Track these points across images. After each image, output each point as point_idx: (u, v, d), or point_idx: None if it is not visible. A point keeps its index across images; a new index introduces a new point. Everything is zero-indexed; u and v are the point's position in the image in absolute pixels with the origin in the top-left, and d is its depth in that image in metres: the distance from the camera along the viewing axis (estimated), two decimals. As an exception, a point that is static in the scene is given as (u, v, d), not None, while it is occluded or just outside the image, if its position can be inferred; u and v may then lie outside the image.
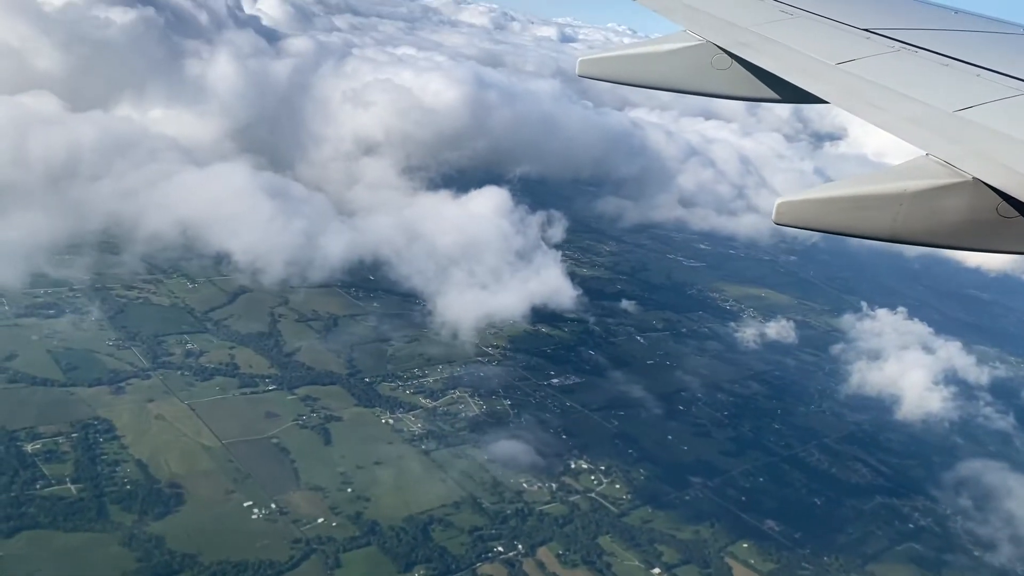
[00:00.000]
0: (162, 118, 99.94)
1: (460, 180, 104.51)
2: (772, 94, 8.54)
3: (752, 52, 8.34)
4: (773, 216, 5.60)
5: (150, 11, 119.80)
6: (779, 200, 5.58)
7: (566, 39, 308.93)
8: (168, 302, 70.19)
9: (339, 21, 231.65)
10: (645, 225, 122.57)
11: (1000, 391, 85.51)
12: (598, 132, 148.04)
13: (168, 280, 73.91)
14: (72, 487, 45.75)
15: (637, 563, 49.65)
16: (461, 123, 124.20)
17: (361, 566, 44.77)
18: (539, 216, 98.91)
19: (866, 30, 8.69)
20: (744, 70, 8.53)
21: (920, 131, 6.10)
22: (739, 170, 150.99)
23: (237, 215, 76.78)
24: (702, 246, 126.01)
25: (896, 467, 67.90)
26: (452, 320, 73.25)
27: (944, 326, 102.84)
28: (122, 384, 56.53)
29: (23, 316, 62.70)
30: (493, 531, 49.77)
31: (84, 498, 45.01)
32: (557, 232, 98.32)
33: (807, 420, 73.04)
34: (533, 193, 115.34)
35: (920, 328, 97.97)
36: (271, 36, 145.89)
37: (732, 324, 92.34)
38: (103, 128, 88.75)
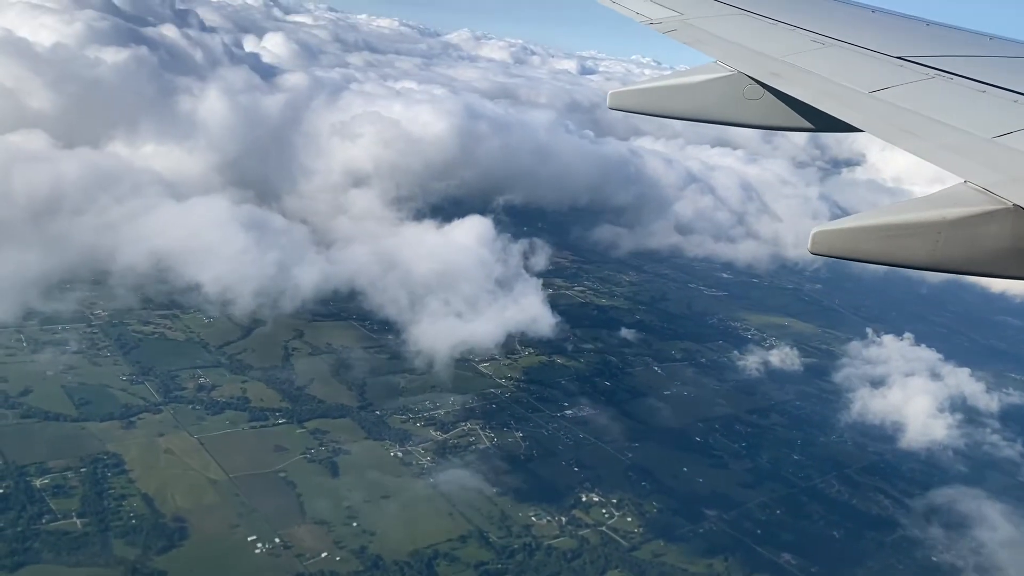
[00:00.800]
0: (153, 154, 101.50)
1: (448, 210, 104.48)
2: (805, 123, 8.59)
3: (784, 82, 8.36)
4: (808, 245, 5.49)
5: (143, 50, 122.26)
6: (815, 229, 5.49)
7: (586, 71, 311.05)
8: (183, 337, 70.76)
9: (354, 59, 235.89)
10: (641, 252, 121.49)
11: (1011, 418, 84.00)
12: (594, 161, 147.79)
13: (184, 315, 74.56)
14: (78, 521, 45.91)
15: (649, 599, 48.74)
16: (449, 154, 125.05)
17: (363, 601, 44.38)
18: (522, 244, 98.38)
19: (899, 58, 8.63)
20: (776, 99, 8.60)
21: (957, 158, 6.06)
22: (740, 197, 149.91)
23: (210, 247, 77.40)
24: (724, 275, 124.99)
25: (905, 496, 66.25)
26: (426, 348, 72.53)
27: (973, 353, 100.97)
28: (133, 419, 56.89)
29: (38, 352, 63.50)
30: (499, 566, 49.17)
31: (89, 532, 45.12)
32: (540, 260, 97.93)
33: (827, 450, 71.61)
34: (523, 222, 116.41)
35: (929, 354, 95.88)
36: (268, 72, 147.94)
37: (753, 353, 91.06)
38: (89, 164, 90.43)
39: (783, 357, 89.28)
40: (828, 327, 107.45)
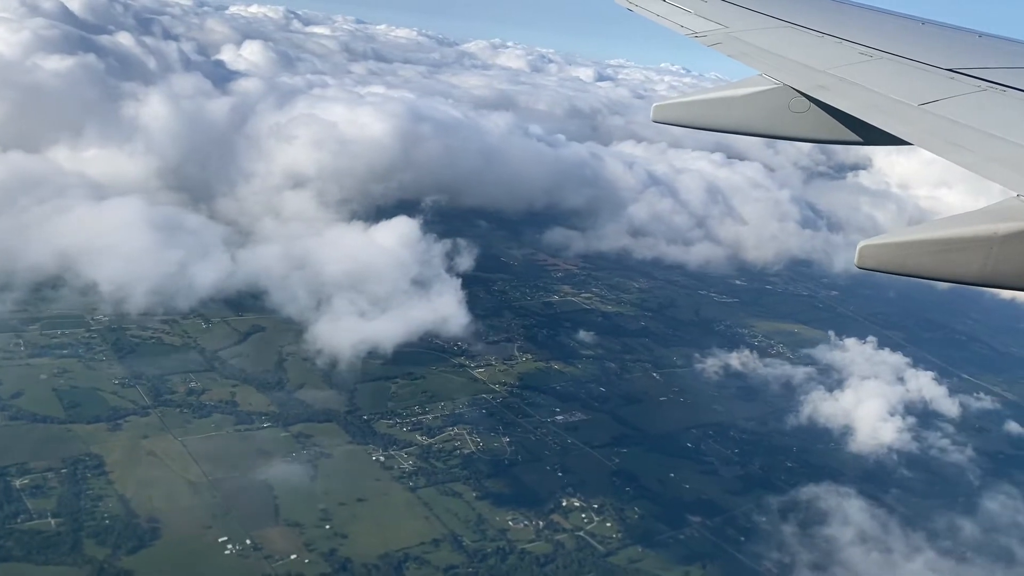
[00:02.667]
0: (92, 158, 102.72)
1: (385, 212, 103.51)
2: (853, 136, 8.55)
3: (831, 95, 8.31)
4: (855, 260, 5.44)
5: (90, 57, 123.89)
6: (861, 243, 5.42)
7: (603, 78, 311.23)
8: (180, 342, 71.71)
9: (358, 68, 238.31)
10: (589, 255, 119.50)
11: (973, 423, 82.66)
12: (550, 164, 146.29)
13: (184, 321, 75.58)
14: (52, 521, 46.68)
15: (618, 605, 48.33)
16: (387, 156, 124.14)
17: (326, 603, 44.56)
18: (445, 245, 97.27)
19: (950, 70, 8.51)
20: (823, 113, 8.56)
21: (1009, 172, 5.99)
22: (703, 200, 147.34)
23: (113, 247, 77.86)
24: (737, 282, 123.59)
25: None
26: (329, 346, 71.96)
27: (986, 360, 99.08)
28: (120, 421, 57.77)
29: (35, 356, 64.82)
30: (470, 569, 49.08)
31: (62, 532, 45.86)
32: (465, 261, 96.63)
33: (823, 458, 70.49)
34: (463, 223, 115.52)
35: (895, 358, 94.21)
36: (226, 79, 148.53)
37: (756, 360, 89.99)
38: (14, 168, 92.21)
39: (785, 364, 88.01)
40: (841, 334, 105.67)
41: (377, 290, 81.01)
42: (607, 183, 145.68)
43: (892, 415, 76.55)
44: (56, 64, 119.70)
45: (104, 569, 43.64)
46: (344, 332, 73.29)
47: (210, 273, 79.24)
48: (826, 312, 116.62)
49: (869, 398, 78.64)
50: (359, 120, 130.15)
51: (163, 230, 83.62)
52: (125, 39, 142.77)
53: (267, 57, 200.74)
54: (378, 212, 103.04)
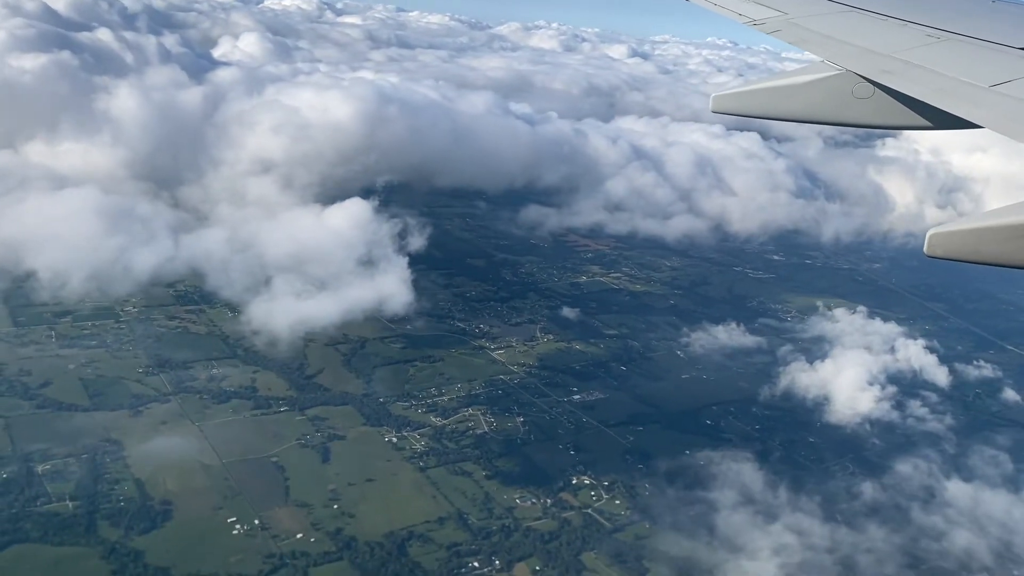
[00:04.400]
0: (64, 151, 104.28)
1: (344, 194, 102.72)
2: (921, 121, 8.37)
3: (897, 79, 8.15)
4: (925, 248, 5.44)
5: (66, 54, 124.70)
6: (931, 231, 5.40)
7: (637, 55, 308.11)
8: (205, 331, 73.49)
9: (377, 55, 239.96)
10: (622, 235, 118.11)
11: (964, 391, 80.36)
12: (530, 142, 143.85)
13: (211, 310, 77.46)
14: (70, 504, 48.50)
15: (618, 580, 48.40)
16: (351, 138, 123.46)
17: (327, 580, 45.55)
18: (395, 225, 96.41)
19: (1022, 49, 8.35)
20: (889, 98, 8.38)
21: None
22: (691, 173, 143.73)
23: (56, 236, 78.69)
24: (776, 257, 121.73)
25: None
26: (268, 326, 72.26)
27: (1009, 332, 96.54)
28: (141, 408, 59.62)
29: (65, 347, 67.14)
30: (473, 547, 49.58)
31: (77, 514, 47.61)
32: (417, 241, 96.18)
33: (844, 433, 69.20)
34: (428, 204, 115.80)
35: (889, 328, 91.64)
36: (205, 69, 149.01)
37: (784, 336, 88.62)
38: None
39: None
40: (879, 308, 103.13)
41: (319, 271, 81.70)
42: (586, 159, 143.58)
43: (872, 384, 75.18)
44: (30, 62, 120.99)
45: (115, 549, 45.25)
46: (280, 312, 74.22)
47: (152, 259, 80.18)
48: (867, 285, 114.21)
49: (852, 367, 77.39)
50: (324, 105, 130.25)
51: (109, 218, 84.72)
52: (104, 35, 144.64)
53: (263, 47, 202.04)
54: (342, 195, 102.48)
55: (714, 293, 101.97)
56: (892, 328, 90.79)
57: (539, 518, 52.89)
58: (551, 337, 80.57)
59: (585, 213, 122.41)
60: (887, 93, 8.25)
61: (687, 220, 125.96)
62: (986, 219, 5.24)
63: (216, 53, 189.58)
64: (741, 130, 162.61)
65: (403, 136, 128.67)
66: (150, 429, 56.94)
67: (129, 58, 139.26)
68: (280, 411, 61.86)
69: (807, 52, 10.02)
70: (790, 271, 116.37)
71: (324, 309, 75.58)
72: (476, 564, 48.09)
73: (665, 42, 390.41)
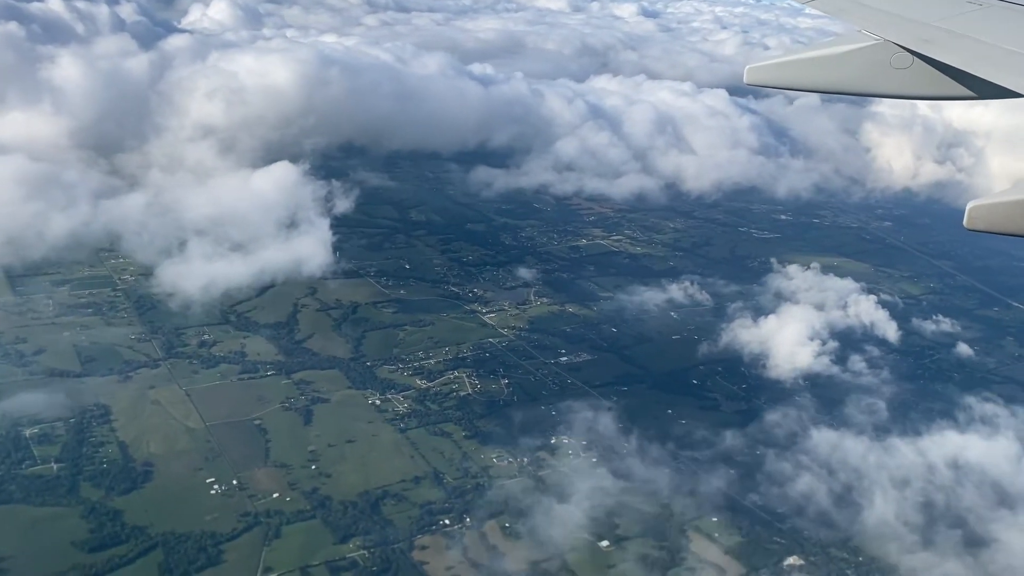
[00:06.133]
0: (9, 121, 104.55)
1: (281, 157, 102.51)
2: (963, 91, 8.15)
3: (937, 48, 8.01)
4: (965, 221, 5.38)
5: (12, 25, 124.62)
6: (971, 204, 5.35)
7: (647, 14, 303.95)
8: (200, 297, 74.40)
9: (370, 19, 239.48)
10: (567, 195, 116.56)
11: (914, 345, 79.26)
12: (477, 103, 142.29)
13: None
14: (55, 466, 50.03)
15: (587, 536, 49.02)
16: (289, 103, 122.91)
17: (299, 538, 46.66)
18: (323, 187, 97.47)
19: None
20: (929, 68, 8.19)
21: None
22: (648, 132, 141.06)
23: None
24: (783, 217, 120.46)
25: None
26: (184, 288, 73.02)
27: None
28: (131, 374, 61.03)
29: (62, 315, 68.67)
30: (446, 505, 50.50)
31: (61, 476, 49.15)
32: (345, 203, 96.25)
33: (833, 392, 68.95)
34: (371, 166, 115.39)
35: (845, 284, 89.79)
36: (159, 37, 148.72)
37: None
38: None
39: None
40: (884, 266, 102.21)
41: (237, 234, 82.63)
42: (540, 120, 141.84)
43: (813, 339, 74.76)
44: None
45: (95, 509, 46.72)
46: (196, 274, 75.31)
47: (65, 224, 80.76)
48: (874, 244, 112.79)
49: (794, 322, 77.07)
50: (263, 69, 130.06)
51: (31, 185, 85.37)
52: (55, 5, 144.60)
53: (232, 15, 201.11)
54: (281, 158, 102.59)
55: (715, 254, 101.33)
56: (849, 284, 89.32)
57: (514, 476, 53.68)
58: (544, 300, 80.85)
59: (533, 173, 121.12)
60: (927, 63, 8.02)
61: (638, 179, 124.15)
62: None
63: (186, 21, 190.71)
64: (713, 87, 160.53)
65: (343, 99, 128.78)
66: (138, 393, 58.35)
67: (80, 28, 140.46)
68: (267, 375, 62.95)
69: (845, 22, 9.82)
70: (796, 230, 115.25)
71: (237, 271, 76.71)
72: (447, 521, 48.99)
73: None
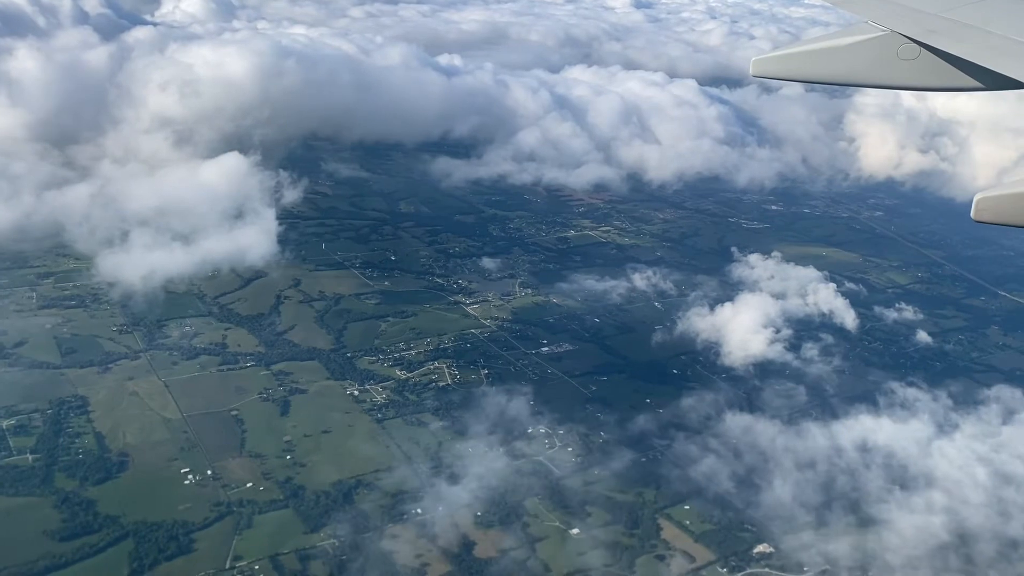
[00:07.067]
0: None
1: (233, 148, 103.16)
2: (971, 82, 8.15)
3: (944, 39, 7.98)
4: (972, 212, 5.42)
5: None
6: (978, 195, 5.33)
7: (638, 5, 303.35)
8: (183, 289, 74.77)
9: (356, 11, 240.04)
10: (557, 187, 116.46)
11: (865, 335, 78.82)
12: (444, 94, 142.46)
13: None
14: (30, 457, 50.39)
15: (558, 524, 49.27)
16: (243, 94, 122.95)
17: (270, 527, 46.97)
18: (271, 178, 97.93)
19: None
20: (936, 59, 8.17)
21: None
22: (613, 122, 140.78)
23: None
24: (773, 207, 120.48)
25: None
26: (122, 279, 73.29)
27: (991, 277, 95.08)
28: (111, 365, 61.33)
29: (45, 308, 68.97)
30: (420, 494, 50.75)
31: (36, 467, 49.52)
32: (294, 194, 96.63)
33: (818, 381, 69.01)
34: (328, 157, 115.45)
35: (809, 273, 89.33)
36: (122, 29, 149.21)
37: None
38: None
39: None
40: (872, 256, 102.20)
41: (181, 225, 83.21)
42: (503, 110, 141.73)
43: (767, 327, 75.12)
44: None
45: (68, 499, 47.08)
46: (137, 264, 75.84)
47: (7, 215, 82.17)
48: (864, 233, 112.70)
49: (749, 311, 77.44)
50: (218, 61, 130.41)
51: None
52: None
53: (204, 7, 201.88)
54: (233, 149, 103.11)
55: (703, 245, 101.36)
56: (811, 272, 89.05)
57: (488, 465, 53.79)
58: (529, 291, 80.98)
59: (494, 164, 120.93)
60: (934, 54, 7.96)
61: (598, 169, 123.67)
62: None
63: (158, 13, 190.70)
64: (692, 77, 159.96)
65: (301, 90, 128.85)
66: (116, 384, 58.66)
67: (41, 21, 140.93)
68: (247, 366, 63.21)
69: (850, 12, 9.83)
70: (786, 220, 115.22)
71: (177, 260, 77.18)
72: (419, 511, 49.24)
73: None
